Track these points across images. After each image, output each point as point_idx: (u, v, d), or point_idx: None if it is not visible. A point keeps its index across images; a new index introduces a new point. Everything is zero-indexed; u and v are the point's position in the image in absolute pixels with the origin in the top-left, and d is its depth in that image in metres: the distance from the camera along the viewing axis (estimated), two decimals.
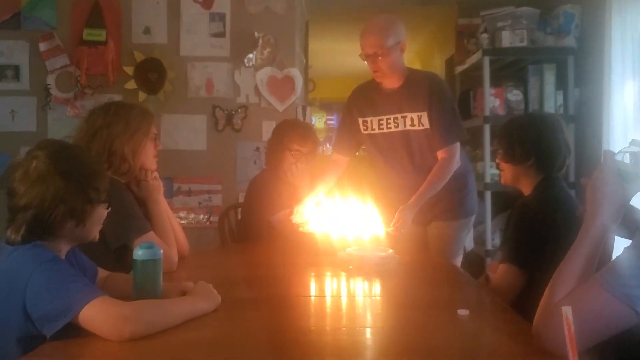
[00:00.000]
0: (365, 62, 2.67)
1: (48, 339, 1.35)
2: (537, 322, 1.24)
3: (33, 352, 1.27)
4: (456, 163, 2.68)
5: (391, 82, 2.71)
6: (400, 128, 2.71)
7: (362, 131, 2.81)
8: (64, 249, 1.54)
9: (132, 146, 2.16)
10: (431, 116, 2.64)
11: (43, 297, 1.36)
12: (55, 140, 1.61)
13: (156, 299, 1.51)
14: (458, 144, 2.70)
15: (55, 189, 1.46)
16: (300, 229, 2.56)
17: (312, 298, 1.90)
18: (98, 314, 1.33)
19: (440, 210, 2.79)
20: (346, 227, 2.36)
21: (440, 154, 2.68)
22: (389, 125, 2.73)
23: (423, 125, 2.67)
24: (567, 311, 0.72)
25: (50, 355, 1.27)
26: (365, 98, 2.81)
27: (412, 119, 2.68)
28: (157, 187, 2.27)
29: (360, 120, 2.81)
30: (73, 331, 1.37)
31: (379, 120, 2.75)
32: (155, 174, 2.29)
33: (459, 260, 2.87)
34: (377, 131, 2.77)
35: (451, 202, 2.79)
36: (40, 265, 1.39)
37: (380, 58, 2.59)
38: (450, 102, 2.71)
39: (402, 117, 2.69)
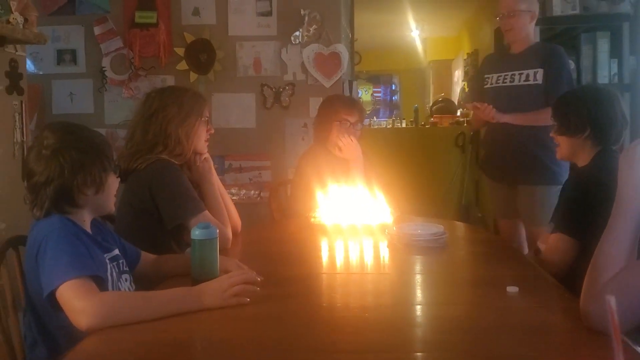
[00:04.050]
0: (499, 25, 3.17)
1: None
2: (584, 304, 1.24)
3: None
4: None
5: (518, 46, 3.10)
6: (515, 82, 3.03)
7: (483, 86, 3.18)
8: (87, 219, 1.63)
9: (186, 129, 2.23)
10: (548, 72, 2.94)
11: (42, 269, 1.44)
12: (57, 121, 1.69)
13: (141, 292, 1.58)
14: None
15: (72, 159, 1.55)
16: (312, 219, 2.53)
17: (360, 275, 1.92)
18: (68, 300, 1.38)
19: (526, 168, 2.96)
20: (355, 216, 2.36)
21: None
22: (504, 80, 3.09)
23: (536, 80, 2.97)
24: (610, 300, 0.74)
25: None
26: (493, 58, 3.35)
27: (527, 75, 3.00)
28: (208, 168, 2.33)
29: (485, 77, 3.20)
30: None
31: (498, 76, 3.12)
32: (206, 155, 2.36)
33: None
34: (493, 85, 3.12)
35: (538, 163, 2.93)
36: (48, 235, 1.48)
37: (512, 18, 3.02)
38: (568, 66, 3.05)
39: (519, 73, 3.03)
